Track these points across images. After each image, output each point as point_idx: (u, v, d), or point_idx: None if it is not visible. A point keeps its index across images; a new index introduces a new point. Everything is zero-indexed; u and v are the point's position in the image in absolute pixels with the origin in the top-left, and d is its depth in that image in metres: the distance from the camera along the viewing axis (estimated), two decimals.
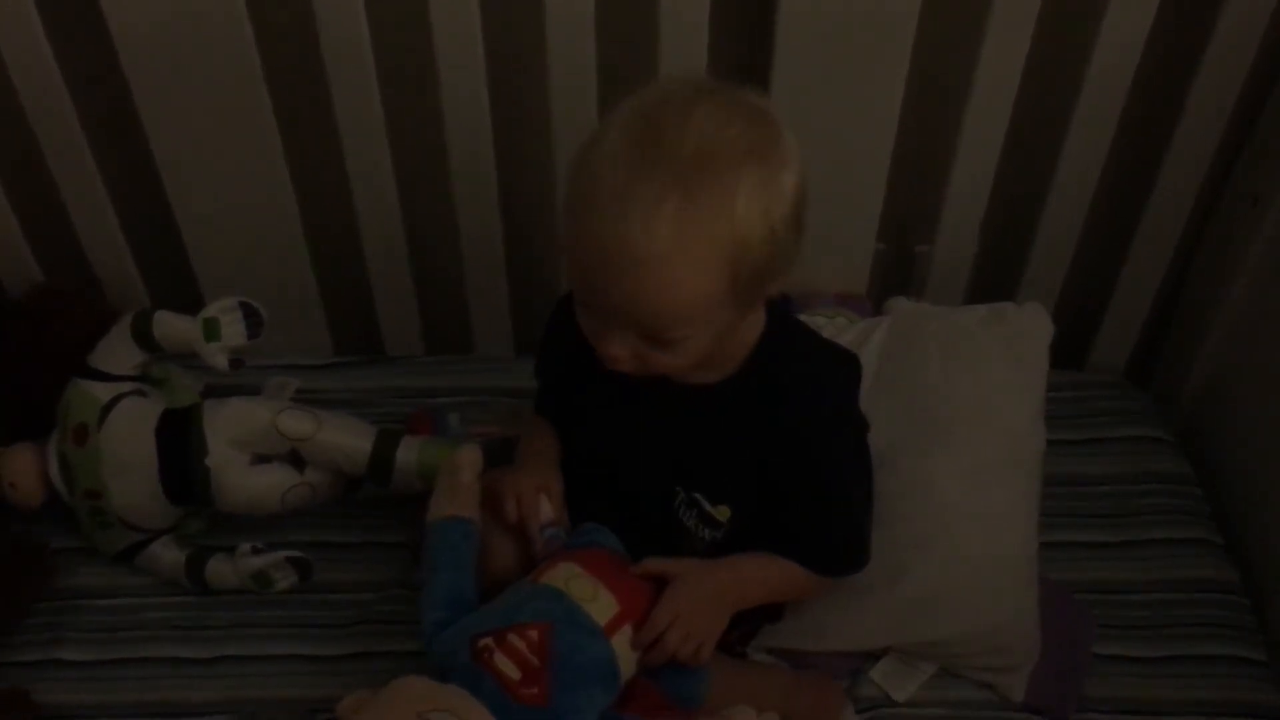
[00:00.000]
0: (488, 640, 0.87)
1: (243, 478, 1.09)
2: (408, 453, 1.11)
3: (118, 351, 1.11)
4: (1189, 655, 1.08)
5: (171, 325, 1.10)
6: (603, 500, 0.97)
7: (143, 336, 1.10)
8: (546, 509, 0.96)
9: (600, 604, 0.89)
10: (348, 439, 1.10)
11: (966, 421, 1.08)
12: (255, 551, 1.10)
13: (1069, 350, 1.30)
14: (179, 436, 1.08)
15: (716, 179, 0.78)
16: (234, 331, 1.09)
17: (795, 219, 0.83)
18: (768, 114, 0.83)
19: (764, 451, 0.91)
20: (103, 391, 1.09)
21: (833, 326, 1.19)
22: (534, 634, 0.87)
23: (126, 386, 1.10)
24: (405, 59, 1.12)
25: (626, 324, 0.83)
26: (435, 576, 0.93)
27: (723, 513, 0.94)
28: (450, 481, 0.96)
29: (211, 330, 1.08)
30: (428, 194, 1.23)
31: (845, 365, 0.98)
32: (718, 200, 0.78)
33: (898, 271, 1.31)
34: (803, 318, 1.19)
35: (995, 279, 1.29)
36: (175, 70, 1.11)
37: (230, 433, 1.09)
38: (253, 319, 1.09)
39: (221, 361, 1.09)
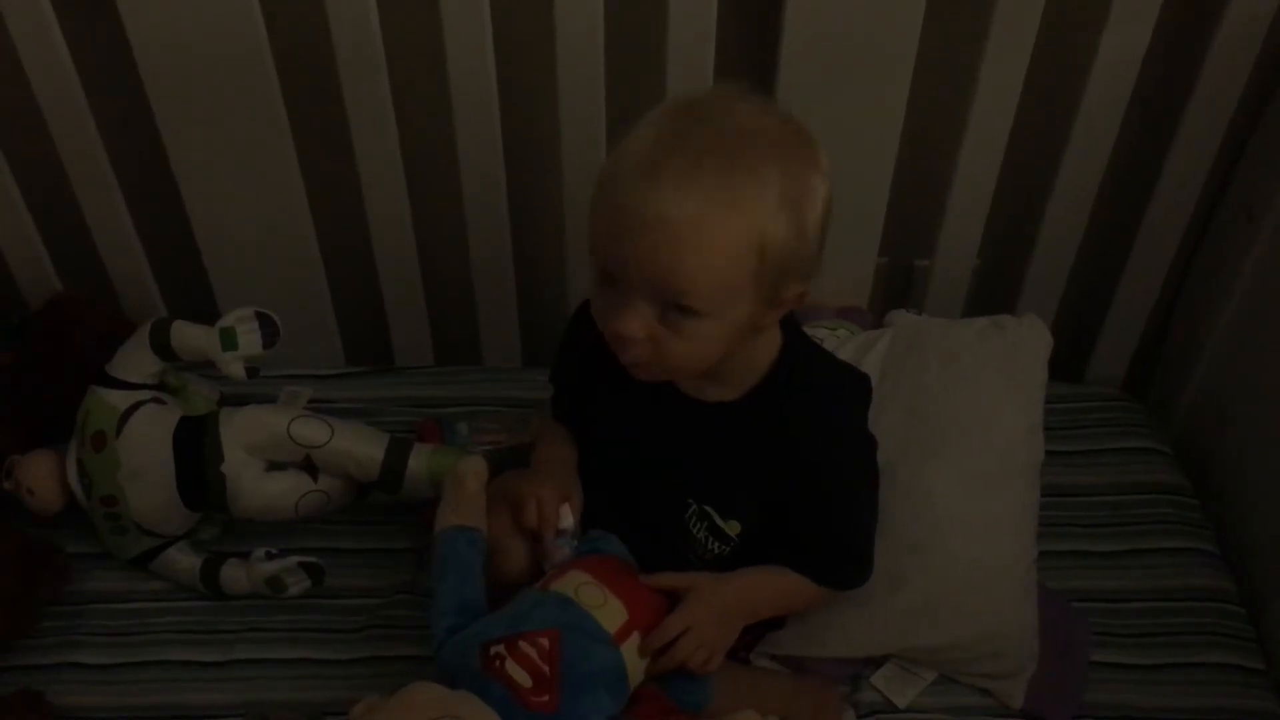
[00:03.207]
0: (499, 648, 0.88)
1: (257, 484, 1.11)
2: (418, 460, 1.13)
3: (136, 360, 1.13)
4: (1185, 663, 1.09)
5: (189, 335, 1.11)
6: (615, 508, 0.98)
7: (160, 346, 1.12)
8: (567, 517, 0.97)
9: (609, 612, 0.91)
10: (360, 447, 1.12)
11: (965, 431, 1.09)
12: (269, 557, 1.12)
13: (1067, 363, 1.31)
14: (195, 443, 1.10)
15: (753, 159, 0.80)
16: (250, 341, 1.10)
17: (822, 225, 0.84)
18: (803, 125, 0.86)
19: (775, 469, 0.93)
20: (121, 399, 1.11)
21: (835, 338, 1.21)
22: (544, 641, 0.88)
23: (144, 395, 1.12)
24: (419, 78, 1.15)
25: (647, 291, 0.82)
26: (443, 584, 0.94)
27: (732, 527, 0.96)
28: (456, 491, 0.97)
29: (228, 340, 1.10)
30: (439, 209, 1.25)
31: (857, 385, 0.99)
32: (753, 177, 0.80)
33: (899, 285, 1.33)
34: (805, 330, 1.21)
35: (994, 292, 1.31)
36: (194, 88, 1.13)
37: (245, 440, 1.11)
38: (268, 329, 1.11)
39: (237, 370, 1.11)
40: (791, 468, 0.92)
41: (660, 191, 0.79)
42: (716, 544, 0.96)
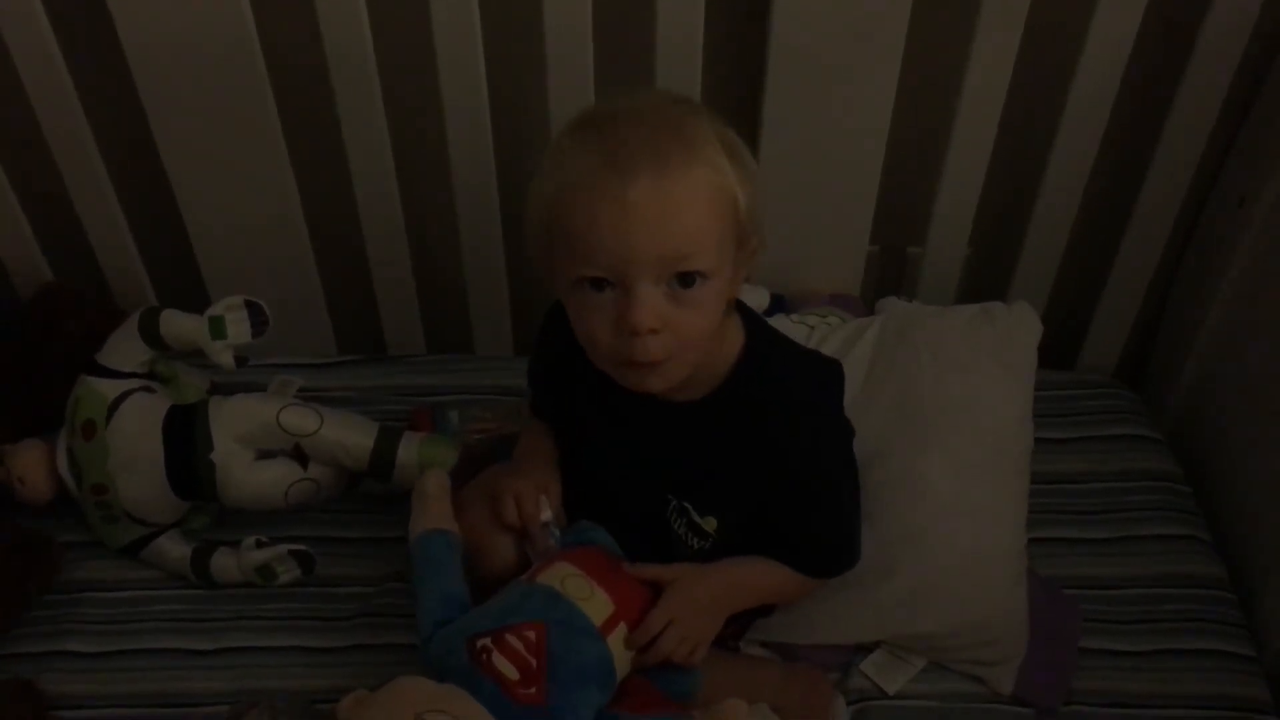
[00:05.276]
0: (485, 641, 0.88)
1: (247, 473, 1.11)
2: (408, 449, 1.13)
3: (125, 349, 1.13)
4: (1176, 649, 1.09)
5: (178, 323, 1.11)
6: (599, 502, 0.98)
7: (150, 334, 1.12)
8: (545, 509, 0.97)
9: (596, 604, 0.91)
10: (350, 435, 1.12)
11: (956, 419, 1.09)
12: (259, 545, 1.12)
13: (1059, 350, 1.32)
14: (185, 432, 1.10)
15: (691, 125, 0.84)
16: (239, 330, 1.10)
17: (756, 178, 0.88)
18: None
19: (750, 465, 0.93)
20: (110, 388, 1.11)
21: (825, 325, 1.20)
22: (531, 634, 0.88)
23: (134, 383, 1.12)
24: (408, 71, 1.14)
25: (652, 272, 0.82)
26: (426, 586, 0.94)
27: (709, 524, 0.96)
28: (421, 501, 0.98)
29: (217, 328, 1.10)
30: (429, 198, 1.25)
31: (826, 373, 0.99)
32: (700, 139, 0.84)
33: (890, 272, 1.32)
34: (795, 318, 1.21)
35: (986, 280, 1.31)
36: (184, 80, 1.12)
37: (235, 429, 1.11)
38: (258, 317, 1.11)
39: (227, 359, 1.11)
40: (764, 460, 0.92)
41: (637, 173, 0.81)
42: (696, 540, 0.96)
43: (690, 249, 0.83)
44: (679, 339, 0.85)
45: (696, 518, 0.96)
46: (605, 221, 0.82)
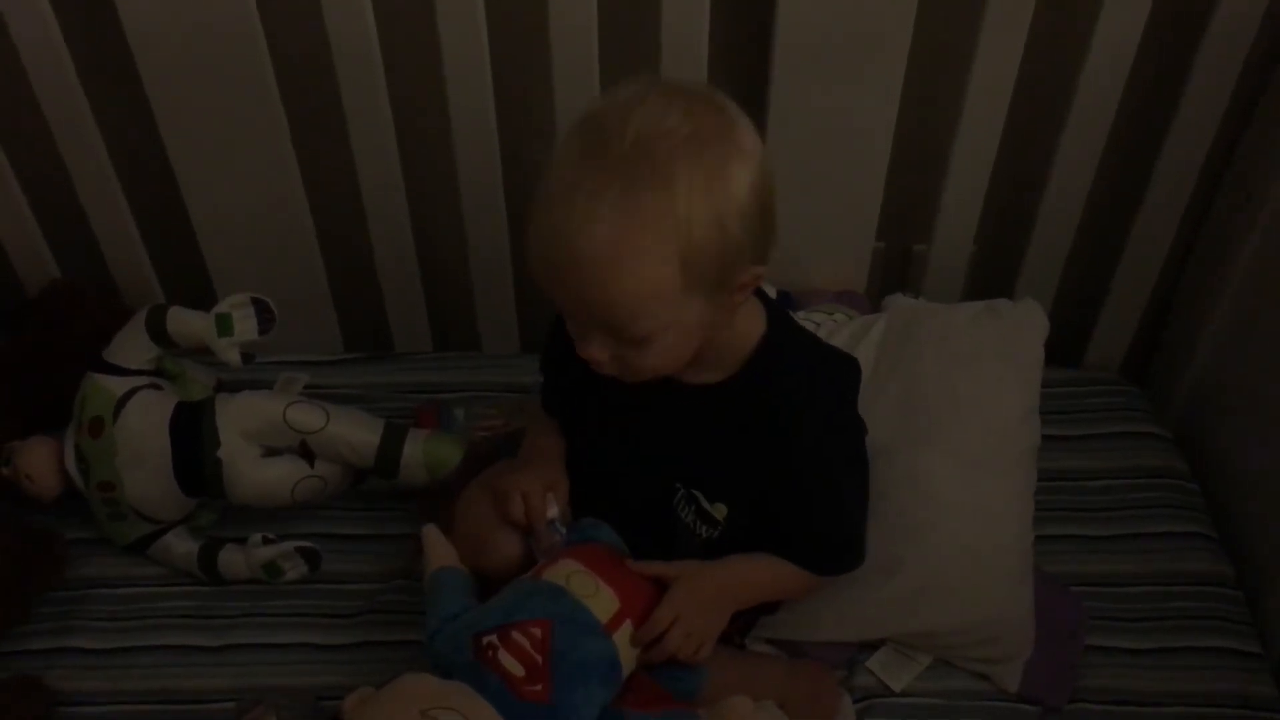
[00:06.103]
0: (491, 638, 0.88)
1: (254, 470, 1.11)
2: (414, 446, 1.13)
3: (132, 346, 1.13)
4: (1182, 647, 1.09)
5: (185, 320, 1.12)
6: (604, 495, 0.98)
7: (157, 331, 1.12)
8: (552, 506, 0.97)
9: (601, 601, 0.91)
10: (356, 432, 1.13)
11: (961, 416, 1.09)
12: (266, 542, 1.12)
13: (1065, 347, 1.31)
14: (192, 429, 1.11)
15: (653, 171, 0.78)
16: (246, 327, 1.11)
17: (752, 208, 0.81)
18: (719, 105, 0.83)
19: (760, 455, 0.92)
20: (118, 385, 1.11)
21: (831, 322, 1.20)
22: (537, 631, 0.88)
23: (141, 380, 1.12)
24: (414, 66, 1.14)
25: (593, 325, 0.83)
26: (437, 592, 0.95)
27: (719, 511, 0.95)
28: (428, 551, 0.99)
29: (224, 325, 1.10)
30: (435, 195, 1.25)
31: (843, 369, 0.98)
32: (656, 191, 0.78)
33: (896, 269, 1.32)
34: (802, 314, 1.21)
35: (992, 277, 1.31)
36: (190, 76, 1.13)
37: (242, 425, 1.11)
38: (264, 315, 1.11)
39: (233, 356, 1.11)
40: (773, 451, 0.92)
41: (568, 227, 0.78)
42: (705, 528, 0.96)
43: (622, 319, 0.80)
44: (634, 371, 0.85)
45: (706, 505, 0.95)
46: (542, 270, 0.81)
